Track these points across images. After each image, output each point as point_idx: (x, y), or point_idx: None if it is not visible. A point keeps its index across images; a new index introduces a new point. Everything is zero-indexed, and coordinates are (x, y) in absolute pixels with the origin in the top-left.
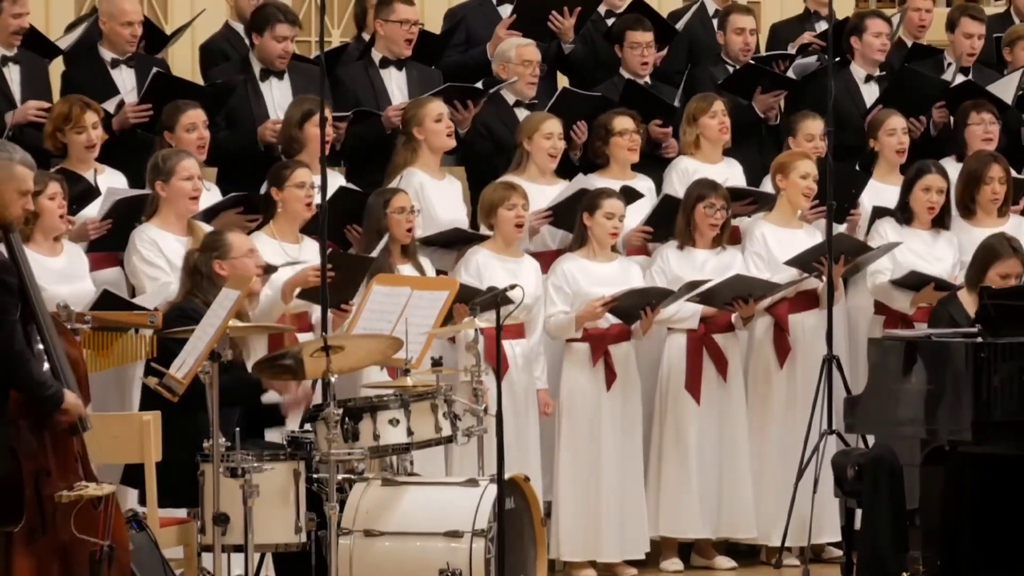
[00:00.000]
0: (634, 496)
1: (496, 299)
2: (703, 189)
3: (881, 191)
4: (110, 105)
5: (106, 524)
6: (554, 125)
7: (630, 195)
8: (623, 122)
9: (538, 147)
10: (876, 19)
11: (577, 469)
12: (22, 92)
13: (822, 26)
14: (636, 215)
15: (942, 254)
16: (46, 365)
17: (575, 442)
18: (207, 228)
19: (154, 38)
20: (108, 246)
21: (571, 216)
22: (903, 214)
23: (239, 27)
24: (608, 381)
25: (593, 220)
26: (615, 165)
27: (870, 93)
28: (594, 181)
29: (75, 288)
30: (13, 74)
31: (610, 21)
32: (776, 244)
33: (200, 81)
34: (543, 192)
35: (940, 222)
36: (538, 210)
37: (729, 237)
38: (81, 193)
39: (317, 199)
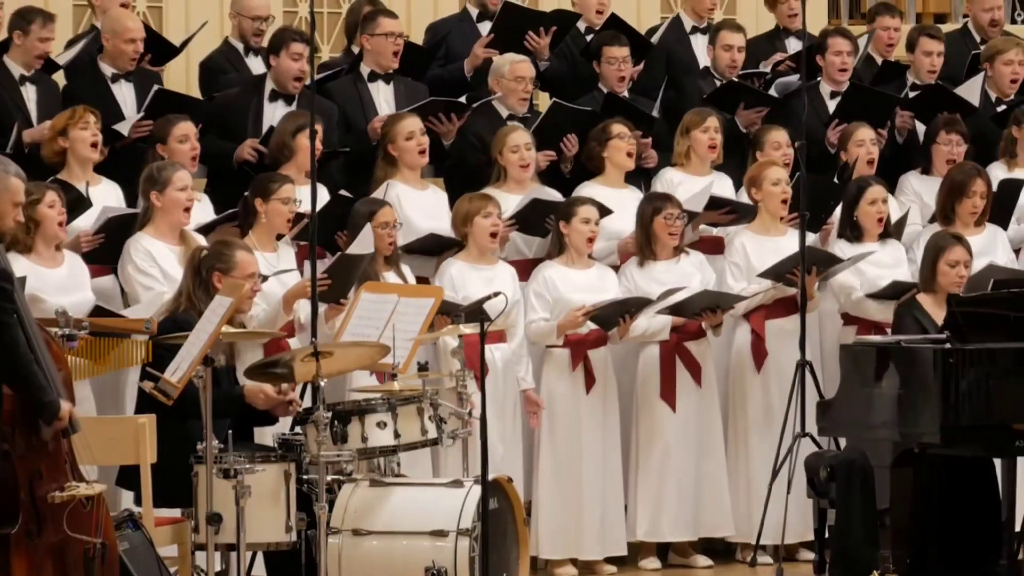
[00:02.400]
0: (614, 495)
1: (481, 308)
2: (657, 202)
3: None
4: (124, 127)
5: (97, 522)
6: (520, 137)
7: (600, 210)
8: (620, 127)
9: (508, 160)
10: (837, 37)
11: (558, 469)
12: (38, 111)
13: (791, 43)
14: (628, 224)
15: (894, 262)
16: None
17: (555, 443)
18: (200, 238)
19: (160, 51)
20: (99, 259)
21: (534, 221)
22: (852, 232)
23: (239, 45)
24: (588, 385)
25: (570, 227)
26: (611, 171)
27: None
28: (588, 189)
29: (75, 298)
30: (30, 93)
31: (589, 38)
32: (756, 253)
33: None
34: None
35: (886, 232)
36: (503, 219)
37: (711, 246)
38: (72, 202)
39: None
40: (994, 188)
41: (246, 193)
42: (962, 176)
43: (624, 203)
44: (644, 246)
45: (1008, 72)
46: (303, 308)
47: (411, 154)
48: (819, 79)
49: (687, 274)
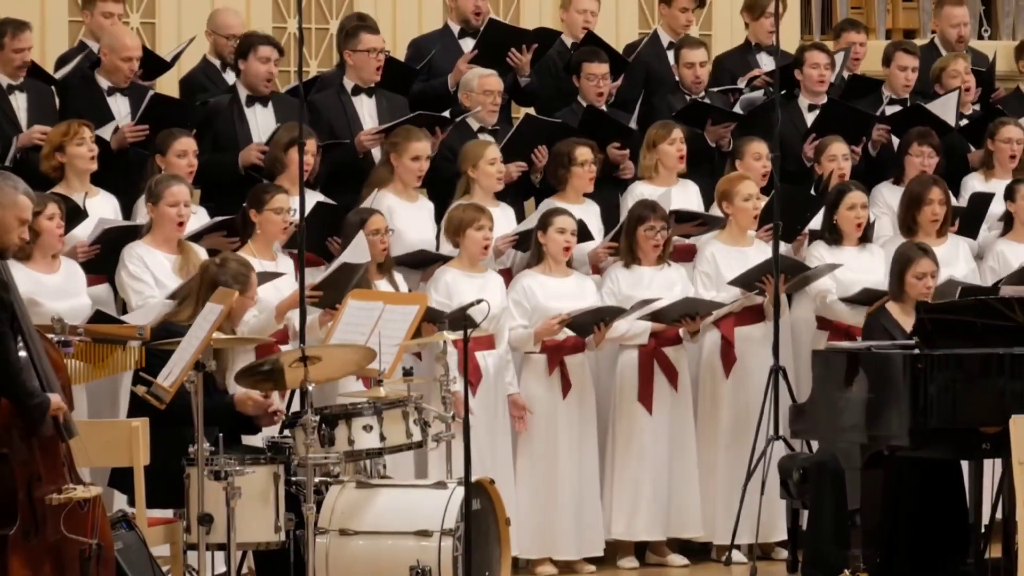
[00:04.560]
0: (590, 497)
1: (464, 314)
2: (643, 211)
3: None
4: (106, 132)
5: (93, 524)
6: (495, 151)
7: (582, 231)
8: (584, 153)
9: (485, 173)
10: (815, 51)
11: (535, 472)
12: (28, 119)
13: (763, 58)
14: (597, 236)
15: (872, 267)
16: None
17: (533, 446)
18: (197, 247)
19: (151, 66)
20: (95, 269)
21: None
22: (831, 235)
23: (216, 62)
24: (564, 390)
25: (547, 237)
26: (571, 191)
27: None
28: (550, 204)
29: (72, 303)
30: (20, 102)
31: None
32: (725, 263)
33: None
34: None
35: (865, 237)
36: (505, 234)
37: (682, 255)
38: (70, 213)
39: (294, 219)
40: (965, 201)
41: (244, 204)
42: (919, 187)
43: (585, 218)
44: (627, 252)
45: (956, 85)
46: (295, 316)
47: (411, 174)
48: (797, 93)
49: (670, 281)
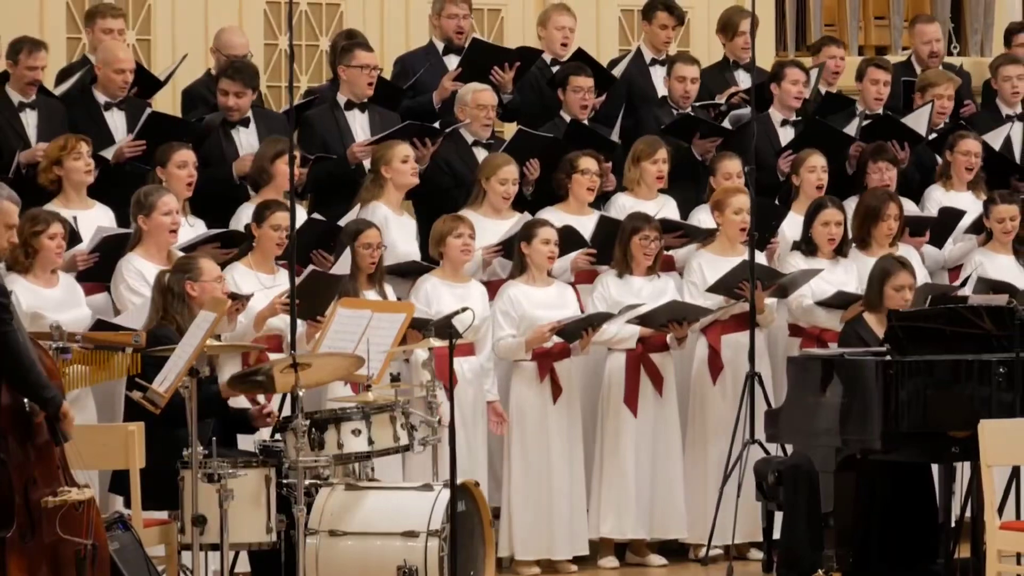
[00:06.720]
0: (579, 498)
1: (449, 322)
2: (638, 222)
3: (800, 222)
4: (108, 153)
5: (88, 525)
6: (510, 171)
7: (571, 236)
8: (587, 162)
9: (493, 189)
10: (794, 68)
11: (527, 475)
12: (38, 135)
13: (740, 75)
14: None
15: (844, 279)
16: None
17: (524, 451)
18: None
19: (146, 83)
20: (94, 277)
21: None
22: (807, 247)
23: None
24: (554, 395)
25: (531, 248)
26: (573, 200)
27: (785, 136)
28: (551, 213)
29: (72, 315)
30: (30, 119)
31: (554, 69)
32: (712, 273)
33: None
34: (497, 226)
35: (839, 250)
36: (489, 245)
37: (665, 265)
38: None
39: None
40: (934, 211)
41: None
42: (875, 201)
43: (584, 229)
44: (621, 260)
45: (936, 105)
46: (282, 324)
47: (404, 176)
48: (769, 107)
49: (660, 290)
